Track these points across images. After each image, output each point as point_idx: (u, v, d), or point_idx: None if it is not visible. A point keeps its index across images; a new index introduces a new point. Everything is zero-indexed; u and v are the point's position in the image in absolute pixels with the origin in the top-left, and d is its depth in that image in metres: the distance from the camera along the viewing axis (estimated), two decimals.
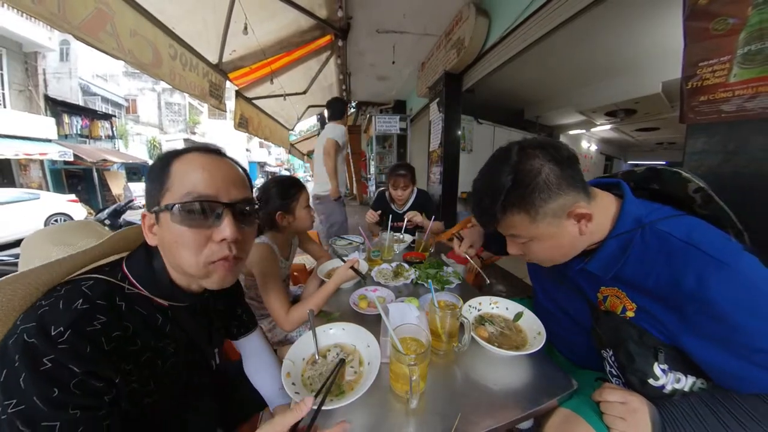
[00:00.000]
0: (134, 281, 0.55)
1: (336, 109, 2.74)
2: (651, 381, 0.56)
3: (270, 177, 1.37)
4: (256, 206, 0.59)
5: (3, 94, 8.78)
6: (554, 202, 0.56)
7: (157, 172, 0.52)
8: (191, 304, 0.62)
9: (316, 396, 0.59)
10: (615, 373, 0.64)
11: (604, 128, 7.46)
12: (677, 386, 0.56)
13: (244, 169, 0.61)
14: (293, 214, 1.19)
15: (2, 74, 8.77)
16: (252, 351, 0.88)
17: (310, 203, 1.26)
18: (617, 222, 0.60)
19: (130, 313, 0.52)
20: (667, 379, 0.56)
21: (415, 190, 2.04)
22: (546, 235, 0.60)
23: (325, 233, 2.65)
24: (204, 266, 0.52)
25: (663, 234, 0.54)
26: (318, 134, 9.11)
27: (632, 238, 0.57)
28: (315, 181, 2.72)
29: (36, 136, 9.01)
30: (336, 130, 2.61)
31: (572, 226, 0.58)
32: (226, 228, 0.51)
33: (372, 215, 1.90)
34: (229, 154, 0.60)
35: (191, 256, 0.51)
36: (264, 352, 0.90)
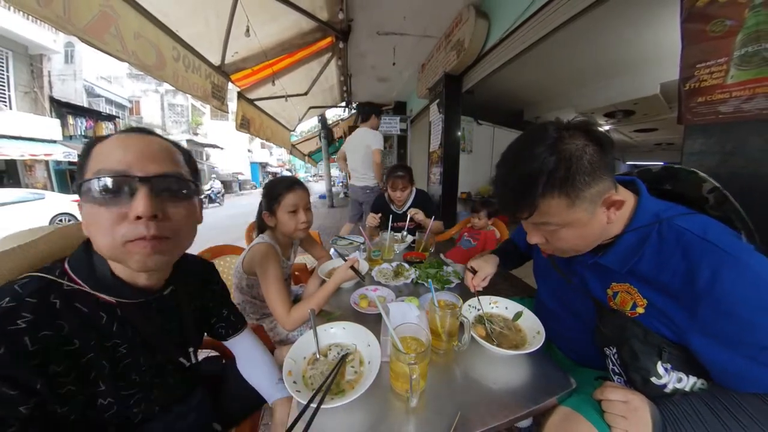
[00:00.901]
0: (74, 277, 0.51)
1: (367, 111, 3.12)
2: (653, 379, 0.56)
3: (272, 176, 1.36)
4: (191, 183, 0.55)
5: (9, 95, 8.79)
6: (596, 186, 0.53)
7: (80, 159, 0.50)
8: (145, 301, 0.57)
9: (315, 394, 0.59)
10: (617, 371, 0.64)
11: (602, 129, 7.44)
12: (678, 386, 0.56)
13: (180, 147, 0.57)
14: (275, 217, 1.16)
15: (8, 76, 8.78)
16: (244, 350, 0.86)
17: (302, 207, 1.17)
18: (635, 216, 0.59)
19: (68, 311, 0.48)
20: (669, 378, 0.56)
21: (414, 190, 2.04)
22: (579, 222, 0.57)
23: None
24: (120, 246, 0.47)
25: (680, 229, 0.54)
26: (319, 135, 9.17)
27: (650, 233, 0.57)
28: (355, 176, 3.20)
29: (41, 137, 9.04)
30: (378, 138, 3.03)
31: (602, 213, 0.57)
32: (138, 204, 0.45)
33: (373, 219, 1.88)
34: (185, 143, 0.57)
35: (105, 237, 0.47)
36: (256, 349, 0.87)
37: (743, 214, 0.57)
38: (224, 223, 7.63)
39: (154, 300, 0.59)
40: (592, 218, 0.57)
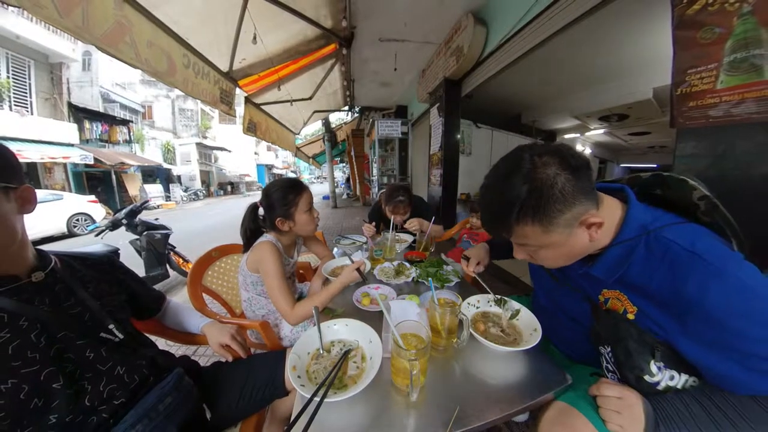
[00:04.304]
0: None
1: (545, 138, 3.66)
2: (647, 377, 0.56)
3: (277, 178, 1.35)
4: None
5: (30, 101, 8.89)
6: (569, 212, 0.52)
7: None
8: (7, 290, 0.58)
9: (318, 388, 0.59)
10: (611, 368, 0.63)
11: (597, 132, 7.40)
12: (671, 383, 0.55)
13: None
14: (293, 220, 1.16)
15: (30, 83, 8.89)
16: (170, 313, 0.98)
17: (312, 204, 1.20)
18: (622, 228, 0.58)
19: None
20: (662, 376, 0.55)
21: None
22: (556, 244, 0.57)
23: None
24: None
25: (667, 242, 0.53)
26: (323, 139, 9.20)
27: (636, 245, 0.56)
28: None
29: (60, 141, 9.13)
30: None
31: (582, 233, 0.56)
32: None
33: (368, 230, 1.83)
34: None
35: None
36: (178, 306, 1.00)
37: (733, 222, 0.56)
38: (230, 223, 7.67)
39: (22, 287, 0.60)
40: (570, 239, 0.56)
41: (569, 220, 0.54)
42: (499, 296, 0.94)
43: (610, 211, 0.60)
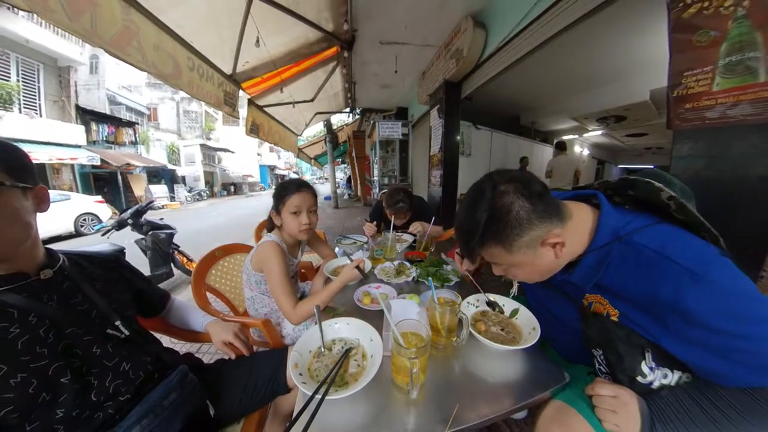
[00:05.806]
0: None
1: (560, 146, 4.77)
2: (639, 378, 0.55)
3: (280, 179, 1.35)
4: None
5: (39, 104, 8.94)
6: (527, 235, 0.56)
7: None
8: (19, 286, 0.58)
9: (320, 386, 0.59)
10: (604, 370, 0.63)
11: (595, 134, 7.38)
12: (664, 381, 0.55)
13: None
14: (280, 216, 1.16)
15: (39, 86, 8.93)
16: (175, 311, 0.98)
17: (305, 210, 1.15)
18: (595, 236, 0.59)
19: None
20: (654, 376, 0.55)
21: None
22: (523, 263, 0.61)
23: None
24: None
25: (638, 246, 0.53)
26: (325, 140, 9.22)
27: (609, 251, 0.57)
28: (554, 177, 4.70)
29: (67, 143, 9.18)
30: (581, 160, 5.04)
31: (548, 252, 0.59)
32: None
33: (370, 229, 1.82)
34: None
35: None
36: (183, 304, 1.00)
37: (703, 220, 0.55)
38: (234, 223, 7.68)
39: (31, 284, 0.60)
40: (537, 258, 0.60)
41: (529, 242, 0.57)
42: (491, 299, 0.93)
43: (582, 221, 0.61)
